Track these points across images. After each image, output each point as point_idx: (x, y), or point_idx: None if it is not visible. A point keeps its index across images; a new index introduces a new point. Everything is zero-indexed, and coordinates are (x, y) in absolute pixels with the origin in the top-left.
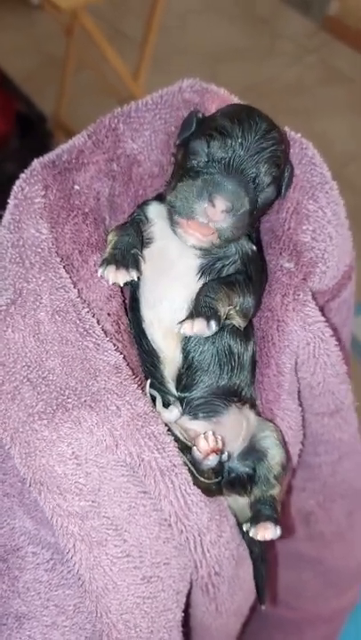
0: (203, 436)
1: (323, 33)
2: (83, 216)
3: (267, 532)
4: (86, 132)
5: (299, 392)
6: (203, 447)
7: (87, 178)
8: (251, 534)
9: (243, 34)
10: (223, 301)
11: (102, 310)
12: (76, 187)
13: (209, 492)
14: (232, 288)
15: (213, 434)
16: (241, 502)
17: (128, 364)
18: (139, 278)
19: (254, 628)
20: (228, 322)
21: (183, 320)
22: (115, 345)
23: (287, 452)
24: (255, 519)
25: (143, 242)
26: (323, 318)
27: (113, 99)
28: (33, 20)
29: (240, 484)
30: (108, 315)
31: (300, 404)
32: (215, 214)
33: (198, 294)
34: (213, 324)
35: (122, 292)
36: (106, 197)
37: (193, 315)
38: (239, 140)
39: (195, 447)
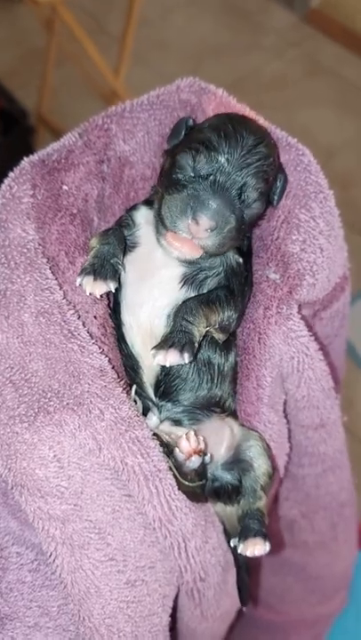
0: (185, 436)
1: (306, 26)
2: (70, 217)
3: (256, 547)
4: (77, 132)
5: (285, 402)
6: (185, 447)
7: (76, 178)
8: (240, 550)
9: (226, 27)
10: (200, 323)
11: (88, 313)
12: (65, 187)
13: (194, 496)
14: (211, 307)
15: (195, 434)
16: (229, 509)
17: (113, 368)
18: (120, 283)
19: (241, 630)
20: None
21: (157, 347)
22: (100, 348)
23: (273, 460)
24: (244, 534)
25: (127, 247)
26: (307, 333)
27: (96, 93)
28: (14, 14)
29: (225, 493)
30: (95, 317)
31: (286, 416)
32: (198, 232)
33: (176, 314)
34: (187, 355)
35: (108, 294)
36: (95, 199)
37: (168, 340)
38: (225, 156)
39: (176, 448)
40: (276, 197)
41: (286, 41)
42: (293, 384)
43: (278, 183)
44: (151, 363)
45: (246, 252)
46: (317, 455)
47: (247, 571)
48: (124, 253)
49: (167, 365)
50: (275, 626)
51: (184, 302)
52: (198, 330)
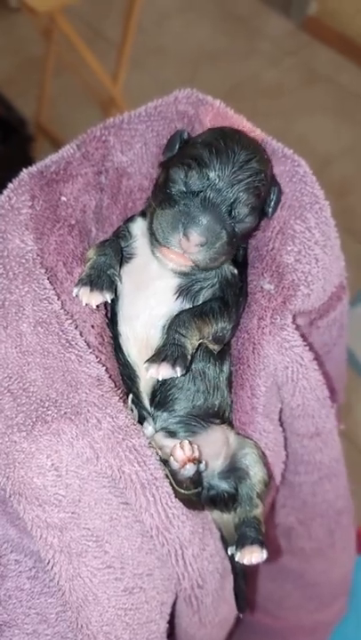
0: (178, 445)
1: (302, 34)
2: (68, 228)
3: (253, 555)
4: (75, 143)
5: (281, 411)
6: (179, 456)
7: (74, 190)
8: (237, 559)
9: (222, 34)
10: (193, 336)
11: (86, 322)
12: (63, 198)
13: (190, 504)
14: (205, 320)
15: (190, 443)
16: (226, 517)
17: (110, 377)
18: (117, 294)
19: (239, 636)
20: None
21: (150, 360)
22: (97, 357)
23: (268, 468)
24: (241, 542)
25: (123, 258)
26: (302, 343)
27: (94, 101)
28: (12, 23)
29: (222, 501)
30: (92, 327)
31: (282, 424)
32: (189, 247)
33: (169, 327)
34: (179, 369)
35: (106, 305)
36: (93, 210)
37: (160, 354)
38: (216, 172)
39: (171, 457)
40: (270, 209)
41: (283, 48)
42: (288, 393)
43: (273, 195)
44: (146, 375)
45: (241, 263)
46: (313, 463)
47: (244, 578)
48: (121, 264)
49: (160, 379)
50: (273, 631)
51: (177, 315)
52: (191, 342)
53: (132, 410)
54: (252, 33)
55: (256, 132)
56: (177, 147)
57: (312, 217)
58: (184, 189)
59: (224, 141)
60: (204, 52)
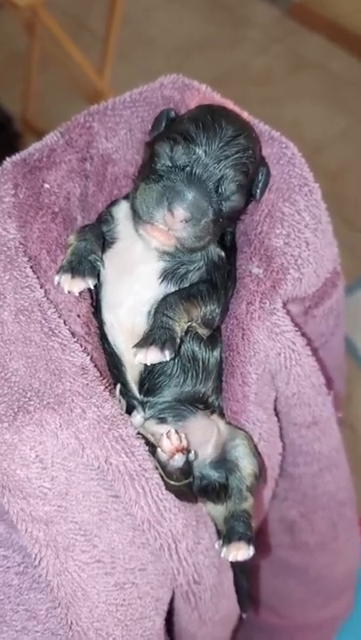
0: (165, 435)
1: (289, 21)
2: (52, 215)
3: (240, 552)
4: (59, 131)
5: (276, 400)
6: (166, 447)
7: (58, 177)
8: (223, 555)
9: (209, 23)
10: (181, 319)
11: (71, 312)
12: (46, 185)
13: (182, 495)
14: (192, 302)
15: (177, 432)
16: (220, 509)
17: (96, 366)
18: (100, 280)
19: (245, 634)
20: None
21: (138, 345)
22: (83, 347)
23: (261, 461)
24: (228, 537)
25: (106, 243)
26: (293, 328)
27: (81, 95)
28: None
29: (214, 491)
30: (78, 316)
31: (277, 414)
32: (174, 223)
33: (156, 310)
34: (167, 352)
35: (92, 293)
36: (77, 197)
37: (148, 338)
38: (203, 147)
39: (159, 448)
40: (258, 191)
41: (270, 36)
42: (283, 381)
43: (260, 177)
44: (134, 361)
45: (230, 247)
46: (312, 454)
47: (244, 574)
48: (104, 250)
49: (148, 364)
50: (279, 629)
51: (164, 298)
52: (179, 325)
53: (119, 400)
54: (239, 21)
55: (243, 115)
56: (163, 125)
57: (301, 199)
58: (169, 164)
59: (212, 116)
60: (191, 41)
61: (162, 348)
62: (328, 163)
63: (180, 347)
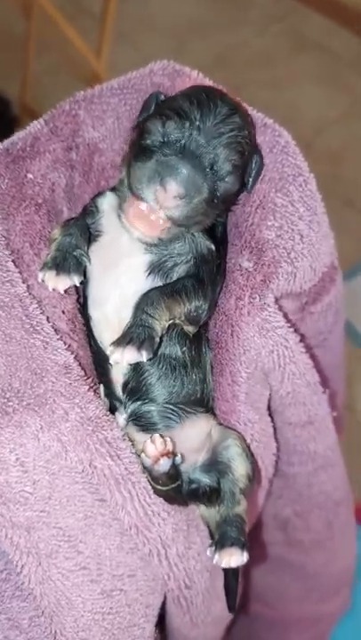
0: (149, 440)
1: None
2: (35, 207)
3: (232, 558)
4: (43, 119)
5: (270, 399)
6: (150, 452)
7: (42, 167)
8: (215, 561)
9: (208, 3)
10: (162, 316)
11: (56, 308)
12: (30, 175)
13: (171, 499)
14: (176, 298)
15: (161, 436)
16: (213, 511)
17: (81, 365)
18: (86, 276)
19: (240, 626)
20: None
21: (115, 343)
22: (68, 345)
23: (254, 462)
24: (220, 543)
25: (91, 236)
26: (285, 324)
27: (79, 78)
28: None
29: (205, 495)
30: (63, 312)
31: (270, 413)
32: (166, 199)
33: (137, 306)
34: (145, 353)
35: (77, 288)
36: (63, 188)
37: (125, 336)
38: (197, 123)
39: (142, 453)
40: (250, 179)
41: (270, 16)
42: (276, 380)
43: (254, 165)
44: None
45: (220, 240)
46: (307, 454)
47: (235, 575)
48: (89, 244)
49: (124, 364)
50: (275, 622)
51: (145, 293)
52: (160, 323)
53: (104, 401)
54: (239, 2)
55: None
56: (152, 108)
57: (295, 190)
58: (161, 140)
59: (206, 94)
60: (190, 22)
61: (139, 348)
62: (329, 144)
63: (159, 345)
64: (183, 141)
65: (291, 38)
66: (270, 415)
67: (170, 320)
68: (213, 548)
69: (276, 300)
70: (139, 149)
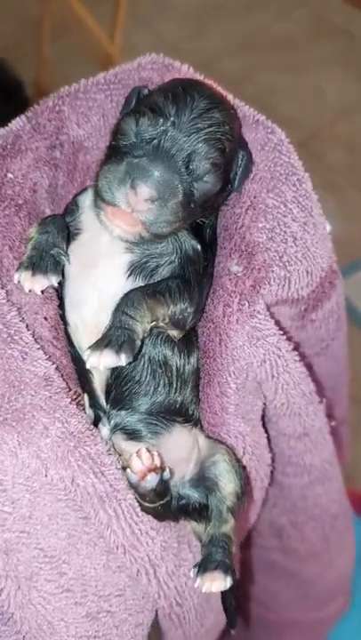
0: (135, 454)
1: None
2: (15, 208)
3: (214, 583)
4: (26, 116)
5: (265, 408)
6: (136, 467)
7: (23, 166)
8: (197, 585)
9: None
10: (144, 318)
11: (37, 314)
12: (10, 175)
13: (160, 516)
14: (158, 299)
15: (148, 450)
16: (203, 528)
17: (62, 376)
18: (64, 276)
19: (239, 627)
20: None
21: (92, 347)
22: (51, 353)
23: (245, 477)
24: (204, 566)
25: (70, 235)
26: (277, 332)
27: (93, 61)
28: None
29: (195, 511)
30: (45, 319)
31: (265, 423)
32: (137, 203)
33: (116, 308)
34: (124, 356)
35: (60, 292)
36: (45, 188)
37: (103, 338)
38: (171, 119)
39: (128, 469)
40: (237, 178)
41: (293, 0)
42: (270, 390)
43: (240, 161)
44: (87, 364)
45: (208, 242)
46: (302, 466)
47: (234, 591)
48: (68, 243)
49: (101, 368)
50: (269, 623)
51: (126, 294)
52: (141, 325)
53: (88, 412)
54: None
55: (228, 97)
56: (133, 103)
57: (288, 190)
58: (134, 140)
59: (183, 88)
60: (210, 6)
61: (118, 351)
62: (349, 131)
63: (140, 349)
64: (156, 140)
65: (313, 23)
66: (264, 425)
67: (152, 322)
68: (196, 570)
69: (268, 307)
70: (112, 151)
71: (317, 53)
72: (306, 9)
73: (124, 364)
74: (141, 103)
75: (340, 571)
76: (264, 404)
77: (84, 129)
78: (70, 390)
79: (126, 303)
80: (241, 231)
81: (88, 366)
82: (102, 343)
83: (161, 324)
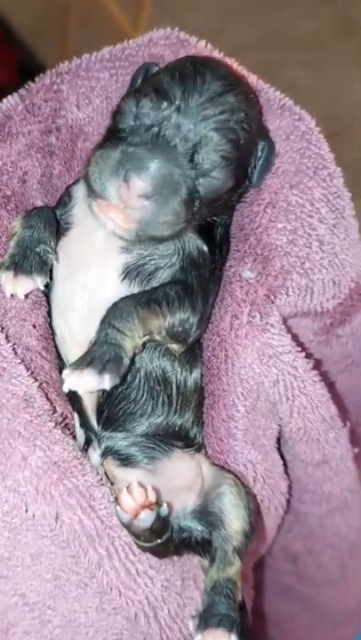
0: (125, 490)
1: None
2: (3, 200)
3: None
4: (19, 94)
5: (281, 431)
6: (127, 505)
7: (13, 152)
8: None
9: None
10: (135, 331)
11: (25, 321)
12: None
13: (160, 553)
14: (153, 309)
15: (140, 484)
16: (207, 564)
17: (49, 393)
18: (52, 278)
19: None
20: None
21: (72, 365)
22: (36, 366)
23: (255, 510)
24: (205, 620)
25: (60, 230)
26: (293, 348)
27: None
28: None
29: (198, 546)
30: (34, 327)
31: (281, 446)
32: (130, 198)
33: (103, 319)
34: (108, 378)
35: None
36: (37, 179)
37: (86, 356)
38: (177, 102)
39: (117, 506)
40: (256, 172)
41: None
42: (285, 413)
43: (260, 153)
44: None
45: (218, 242)
46: (321, 494)
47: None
48: (58, 238)
49: (80, 392)
50: None
51: (115, 303)
52: (131, 341)
53: (78, 434)
54: None
55: (251, 78)
56: (139, 83)
57: (316, 186)
58: (133, 124)
59: (194, 66)
60: (235, 3)
61: (101, 371)
62: None
63: (129, 368)
64: (157, 127)
65: (339, 22)
66: (279, 449)
67: (145, 336)
68: (197, 623)
69: (285, 320)
70: (107, 135)
71: (341, 52)
72: (332, 7)
73: (107, 388)
74: (147, 83)
75: (357, 596)
76: (280, 425)
77: (85, 112)
78: (55, 412)
79: (114, 314)
80: (257, 232)
81: (65, 389)
82: (84, 361)
83: (157, 337)
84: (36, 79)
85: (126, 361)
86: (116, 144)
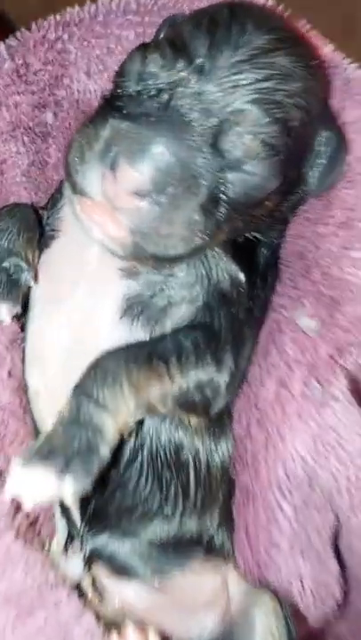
0: (116, 638)
1: None
2: None
3: None
4: (7, 45)
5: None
6: None
7: None
8: None
9: None
10: (121, 405)
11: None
12: None
13: None
14: (156, 368)
15: (139, 628)
16: None
17: None
18: (26, 307)
19: None
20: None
21: (24, 453)
22: (6, 435)
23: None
24: None
25: (44, 238)
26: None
27: None
28: None
29: None
30: (9, 375)
31: (336, 547)
32: (117, 195)
33: (77, 385)
34: (71, 480)
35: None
36: (23, 169)
37: (45, 443)
38: (198, 60)
39: None
40: (317, 172)
41: None
42: (341, 508)
43: (323, 146)
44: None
45: (262, 270)
46: None
47: None
48: (40, 249)
49: (26, 504)
50: None
51: (97, 360)
52: (116, 419)
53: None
54: None
55: (326, 48)
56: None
57: None
58: (135, 88)
59: (231, 12)
60: None
61: (63, 470)
62: None
63: (112, 463)
64: (166, 93)
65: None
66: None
67: (139, 411)
68: None
69: (355, 383)
70: (100, 105)
71: None
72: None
73: (69, 500)
74: (165, 36)
75: None
76: (337, 517)
77: (98, 82)
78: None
79: (94, 377)
80: (324, 262)
81: (6, 495)
82: (39, 451)
83: (161, 410)
84: (33, 26)
85: (105, 452)
86: (105, 117)
